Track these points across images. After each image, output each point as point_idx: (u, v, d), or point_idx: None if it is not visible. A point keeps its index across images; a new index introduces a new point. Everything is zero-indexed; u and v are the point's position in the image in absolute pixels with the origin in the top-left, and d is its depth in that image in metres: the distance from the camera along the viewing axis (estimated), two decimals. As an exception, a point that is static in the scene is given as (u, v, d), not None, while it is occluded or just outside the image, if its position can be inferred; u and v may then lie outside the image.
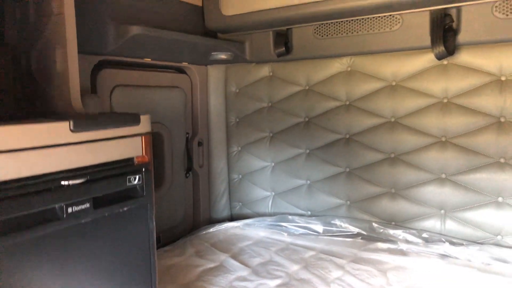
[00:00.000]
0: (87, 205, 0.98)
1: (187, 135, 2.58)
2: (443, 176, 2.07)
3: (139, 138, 1.16)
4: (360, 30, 2.18)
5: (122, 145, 1.10)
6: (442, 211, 2.10)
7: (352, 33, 2.21)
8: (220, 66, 2.68)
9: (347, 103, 2.31)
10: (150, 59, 2.26)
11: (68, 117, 0.97)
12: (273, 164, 2.60)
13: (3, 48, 1.57)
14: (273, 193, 2.62)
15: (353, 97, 2.29)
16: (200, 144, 2.66)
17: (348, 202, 2.37)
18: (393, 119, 2.19)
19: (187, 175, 2.60)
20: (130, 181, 1.09)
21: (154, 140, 2.38)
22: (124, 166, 1.09)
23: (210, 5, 2.37)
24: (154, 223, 1.25)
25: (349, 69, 2.30)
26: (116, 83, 2.08)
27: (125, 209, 1.09)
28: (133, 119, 1.15)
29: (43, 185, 0.89)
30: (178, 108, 2.50)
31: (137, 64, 2.25)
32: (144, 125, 1.21)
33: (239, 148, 2.71)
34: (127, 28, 1.93)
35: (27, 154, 0.86)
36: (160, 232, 2.38)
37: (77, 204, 0.96)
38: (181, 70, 2.56)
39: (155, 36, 2.07)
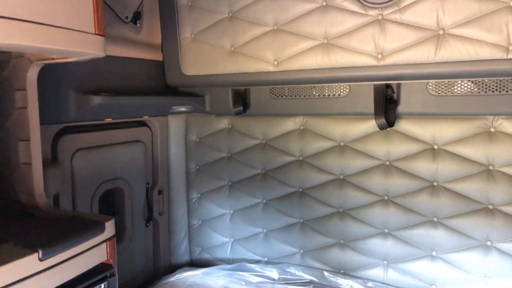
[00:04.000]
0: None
1: (147, 186, 2.64)
2: (386, 230, 2.28)
3: (104, 244, 1.24)
4: (311, 94, 2.36)
5: (88, 256, 1.18)
6: (385, 262, 2.31)
7: (304, 96, 2.38)
8: (181, 116, 2.76)
9: (300, 158, 2.48)
10: (111, 119, 2.31)
11: (36, 246, 1.04)
12: (231, 211, 2.72)
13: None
14: (232, 239, 2.74)
15: (306, 154, 2.46)
16: (160, 192, 2.72)
17: (302, 251, 2.53)
18: (341, 177, 2.37)
19: (147, 224, 2.66)
20: (96, 291, 1.17)
21: (115, 196, 2.44)
22: (90, 277, 1.17)
23: (171, 65, 2.45)
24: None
25: (302, 127, 2.46)
26: (77, 147, 2.10)
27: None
28: (98, 229, 1.22)
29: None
30: (138, 160, 2.55)
31: (98, 125, 2.28)
32: (109, 230, 1.28)
33: (199, 195, 2.81)
34: (89, 98, 1.99)
35: (-1, 293, 0.93)
36: (121, 284, 2.43)
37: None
38: (142, 123, 2.62)
39: (116, 102, 2.14)
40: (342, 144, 2.36)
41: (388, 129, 2.20)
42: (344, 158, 2.35)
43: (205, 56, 2.32)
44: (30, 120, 1.47)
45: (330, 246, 2.45)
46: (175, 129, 2.75)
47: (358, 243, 2.36)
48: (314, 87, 2.34)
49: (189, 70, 2.41)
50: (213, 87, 2.56)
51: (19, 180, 1.50)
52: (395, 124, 2.18)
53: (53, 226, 1.25)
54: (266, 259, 2.65)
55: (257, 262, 2.66)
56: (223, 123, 2.69)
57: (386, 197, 2.27)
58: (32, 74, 1.41)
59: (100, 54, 1.27)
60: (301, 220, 2.51)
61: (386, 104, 2.13)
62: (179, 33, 2.37)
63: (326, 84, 2.28)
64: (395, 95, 2.16)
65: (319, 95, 2.35)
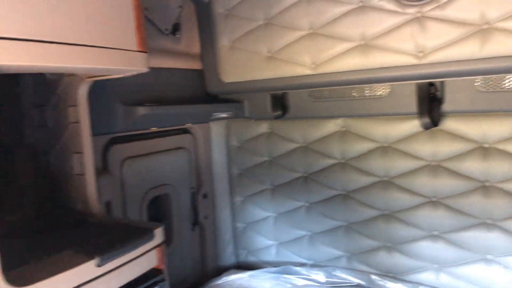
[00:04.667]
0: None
1: (192, 190, 2.72)
2: (435, 233, 2.20)
3: (154, 251, 1.31)
4: (351, 95, 2.33)
5: (140, 262, 1.24)
6: (436, 266, 2.23)
7: (344, 97, 2.35)
8: (222, 121, 2.82)
9: (343, 161, 2.45)
10: (155, 128, 2.41)
11: (93, 253, 1.11)
12: (275, 215, 2.74)
13: (23, 149, 1.72)
14: (277, 242, 2.76)
15: (348, 156, 2.42)
16: (205, 196, 2.79)
17: (348, 254, 2.50)
18: (386, 178, 2.32)
19: (194, 228, 2.73)
20: (148, 297, 1.23)
21: (162, 202, 2.53)
22: (142, 282, 1.23)
23: (210, 73, 2.52)
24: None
25: (343, 129, 2.43)
26: (125, 156, 2.21)
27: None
28: (149, 236, 1.29)
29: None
30: (183, 166, 2.63)
31: (144, 134, 2.38)
32: (158, 237, 1.34)
33: (243, 199, 2.85)
34: (135, 109, 2.09)
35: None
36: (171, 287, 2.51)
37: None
38: (185, 131, 2.70)
39: (160, 112, 2.23)
40: (385, 145, 2.30)
41: (433, 128, 2.13)
42: (388, 159, 2.29)
43: (243, 63, 2.36)
44: (82, 133, 1.57)
45: (377, 249, 2.40)
46: (216, 135, 2.81)
47: (406, 246, 2.30)
48: (354, 88, 2.31)
49: (228, 77, 2.47)
50: (252, 92, 2.60)
51: (75, 189, 1.60)
52: (441, 123, 2.10)
53: (107, 233, 1.33)
54: (311, 262, 2.64)
55: (302, 265, 2.66)
56: (263, 127, 2.71)
57: (434, 199, 2.18)
58: (82, 91, 1.51)
59: (143, 70, 1.34)
60: (346, 223, 2.48)
61: (430, 103, 2.06)
62: (217, 41, 2.43)
63: (366, 85, 2.24)
64: (439, 93, 2.08)
65: (359, 96, 2.31)
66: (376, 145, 2.33)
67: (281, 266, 2.67)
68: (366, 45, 1.96)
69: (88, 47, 1.13)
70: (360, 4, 1.91)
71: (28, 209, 1.60)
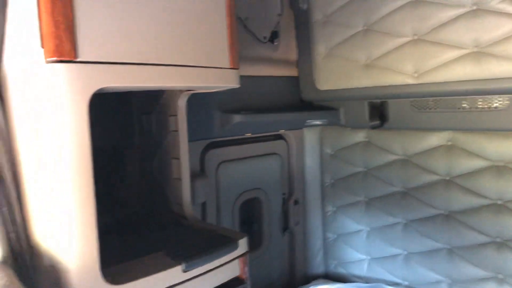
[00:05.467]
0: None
1: (284, 196, 2.74)
2: (561, 271, 1.88)
3: (237, 260, 1.35)
4: (460, 106, 2.10)
5: (223, 271, 1.30)
6: (560, 309, 1.90)
7: (452, 108, 2.13)
8: (315, 128, 2.78)
9: (447, 178, 2.22)
10: (250, 134, 2.48)
11: (181, 258, 1.19)
12: (368, 229, 2.61)
13: (132, 150, 1.93)
14: (369, 257, 2.63)
15: (454, 173, 2.19)
16: (296, 202, 2.79)
17: (449, 281, 2.27)
18: (500, 202, 2.04)
19: (284, 234, 2.75)
20: (231, 307, 1.28)
21: (254, 205, 2.60)
22: (225, 290, 1.29)
23: (305, 80, 2.50)
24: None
25: (449, 143, 2.21)
26: (221, 159, 2.32)
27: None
28: (233, 246, 1.33)
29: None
30: (275, 172, 2.66)
31: (239, 139, 2.47)
32: (242, 247, 1.38)
33: (335, 209, 2.78)
34: (231, 117, 2.19)
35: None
36: (258, 291, 2.57)
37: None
38: (278, 136, 2.73)
39: (255, 119, 2.29)
40: (500, 164, 2.03)
41: None
42: (503, 181, 2.02)
43: (339, 71, 2.30)
44: (180, 141, 1.69)
45: (484, 280, 2.13)
46: (310, 142, 2.78)
47: (522, 281, 2.00)
48: (464, 98, 2.08)
49: (324, 85, 2.42)
50: (349, 100, 2.51)
51: (172, 192, 1.74)
52: None
53: (195, 238, 1.41)
54: (406, 283, 2.46)
55: (396, 284, 2.49)
56: (359, 136, 2.60)
57: (561, 231, 1.86)
58: (181, 103, 1.63)
59: (235, 85, 1.39)
60: (449, 246, 2.25)
61: (562, 118, 1.76)
62: (314, 49, 2.40)
63: (479, 96, 2.00)
64: None
65: (470, 108, 2.07)
66: (489, 164, 2.06)
67: (372, 283, 2.55)
68: (479, 53, 1.74)
69: (186, 67, 1.21)
70: (474, 7, 1.70)
71: (132, 207, 1.78)
